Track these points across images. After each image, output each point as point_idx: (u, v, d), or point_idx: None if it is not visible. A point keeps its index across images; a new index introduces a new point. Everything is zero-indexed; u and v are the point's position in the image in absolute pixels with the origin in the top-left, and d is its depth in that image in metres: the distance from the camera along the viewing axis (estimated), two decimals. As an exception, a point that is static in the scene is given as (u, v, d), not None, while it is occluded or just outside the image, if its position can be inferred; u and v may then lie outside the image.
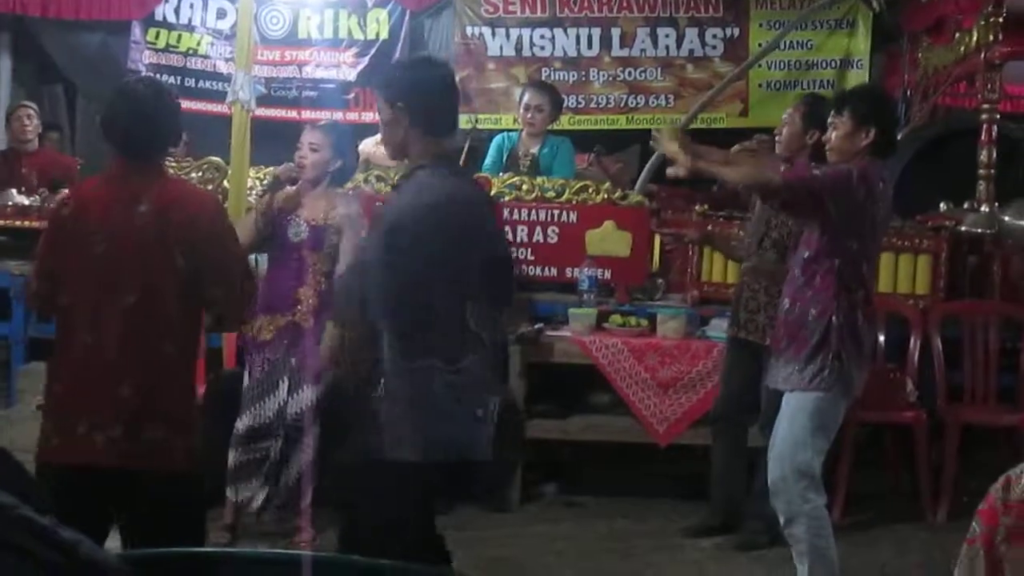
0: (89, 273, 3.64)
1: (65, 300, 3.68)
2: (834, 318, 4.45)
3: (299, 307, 5.36)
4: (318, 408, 5.38)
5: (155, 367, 3.63)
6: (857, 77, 8.95)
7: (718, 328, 6.22)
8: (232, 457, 5.40)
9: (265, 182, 5.42)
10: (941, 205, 7.10)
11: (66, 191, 3.76)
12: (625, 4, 9.33)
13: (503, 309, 3.94)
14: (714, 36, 9.31)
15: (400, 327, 3.63)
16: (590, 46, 9.35)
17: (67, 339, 3.69)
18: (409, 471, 3.60)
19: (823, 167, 4.66)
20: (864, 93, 5.03)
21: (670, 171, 4.89)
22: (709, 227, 6.62)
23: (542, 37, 9.38)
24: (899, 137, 8.34)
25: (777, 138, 5.67)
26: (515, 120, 7.74)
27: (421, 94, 3.73)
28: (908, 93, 8.79)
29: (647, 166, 7.67)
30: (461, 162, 7.62)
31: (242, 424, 5.38)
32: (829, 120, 4.66)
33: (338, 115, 9.24)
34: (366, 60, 9.39)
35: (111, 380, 3.58)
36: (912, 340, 6.37)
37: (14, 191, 7.23)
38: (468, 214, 3.76)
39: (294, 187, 5.46)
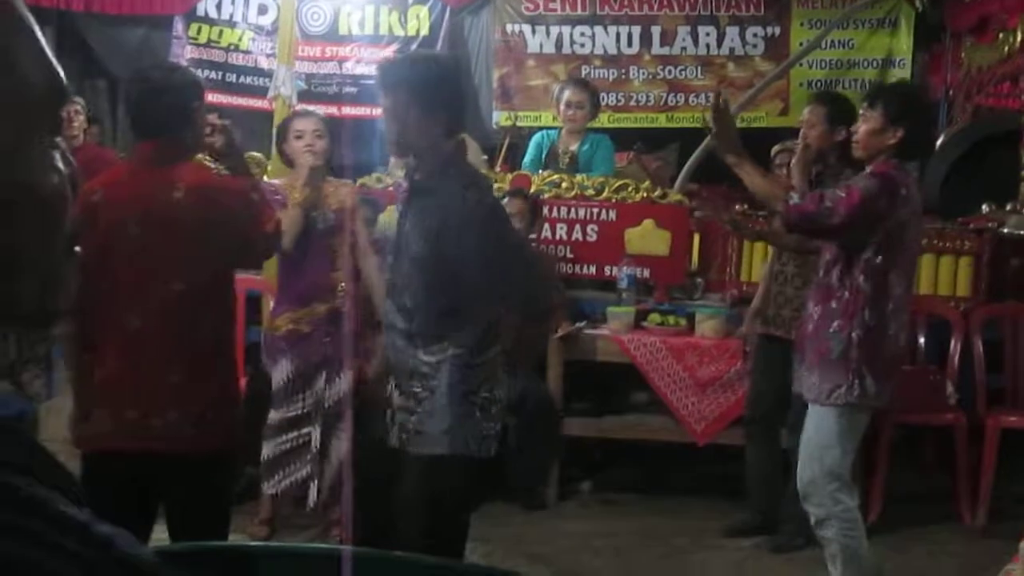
0: (126, 259, 3.65)
1: (101, 288, 3.66)
2: (854, 334, 4.36)
3: (337, 293, 5.40)
4: (352, 397, 5.42)
5: (201, 349, 3.69)
6: (899, 76, 8.90)
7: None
8: (267, 450, 5.42)
9: (303, 177, 5.39)
10: (983, 206, 7.05)
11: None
12: (666, 2, 9.31)
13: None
14: (755, 35, 9.29)
15: (474, 319, 3.71)
16: (630, 44, 9.35)
17: (106, 327, 3.69)
18: (456, 464, 3.64)
19: (835, 191, 4.43)
20: (899, 91, 4.94)
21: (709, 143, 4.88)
22: (736, 207, 6.59)
23: (582, 35, 9.38)
24: (941, 137, 8.36)
25: (802, 140, 5.55)
26: (554, 118, 7.74)
27: (443, 90, 3.76)
28: (950, 93, 8.74)
29: (687, 165, 7.64)
30: (500, 159, 7.68)
31: (276, 415, 5.40)
32: (860, 112, 4.60)
33: (377, 111, 9.25)
34: (406, 56, 9.40)
35: (160, 365, 3.63)
36: (953, 342, 6.32)
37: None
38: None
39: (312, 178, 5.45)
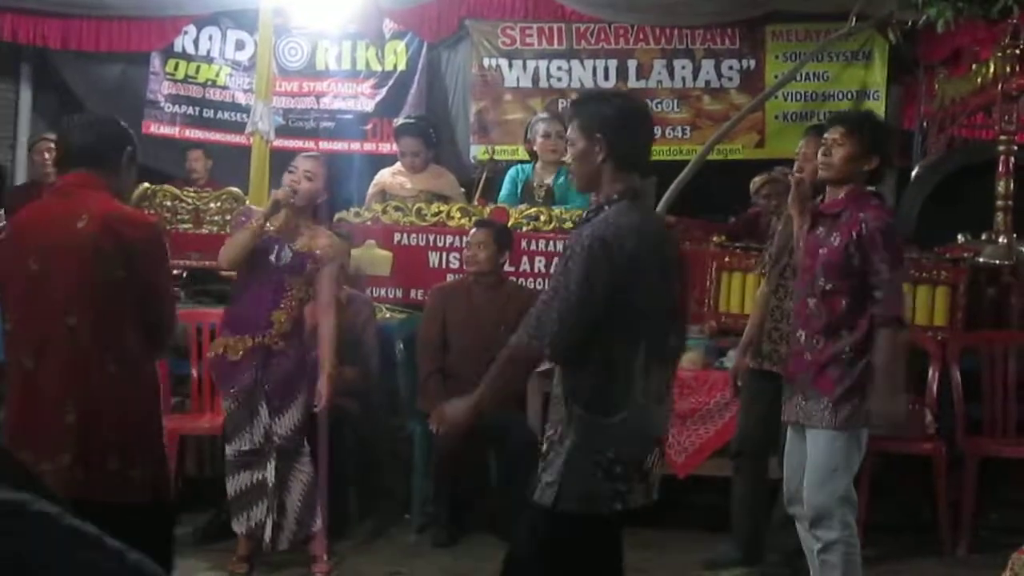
0: (25, 293, 3.57)
1: (8, 324, 3.61)
2: (868, 359, 4.43)
3: (271, 329, 5.35)
4: (302, 432, 5.38)
5: (99, 391, 3.52)
6: (874, 108, 8.94)
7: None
8: (230, 485, 5.39)
9: (267, 205, 5.41)
10: (959, 236, 7.09)
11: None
12: (642, 36, 9.37)
13: (673, 359, 3.83)
14: (730, 68, 9.35)
15: (595, 372, 3.53)
16: (607, 77, 9.39)
17: (11, 364, 3.62)
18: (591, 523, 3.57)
19: (884, 267, 4.45)
20: (876, 121, 5.01)
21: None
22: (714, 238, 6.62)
23: (559, 69, 9.42)
24: (916, 168, 8.42)
25: (796, 173, 5.51)
26: (529, 152, 7.73)
27: (622, 127, 3.64)
28: (925, 124, 8.80)
29: (664, 197, 7.67)
30: (478, 193, 7.69)
31: (231, 449, 5.37)
32: (834, 136, 4.58)
33: (355, 146, 9.30)
34: (384, 91, 9.44)
35: (52, 405, 3.49)
36: (931, 371, 6.34)
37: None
38: (662, 255, 3.67)
39: (284, 211, 5.46)
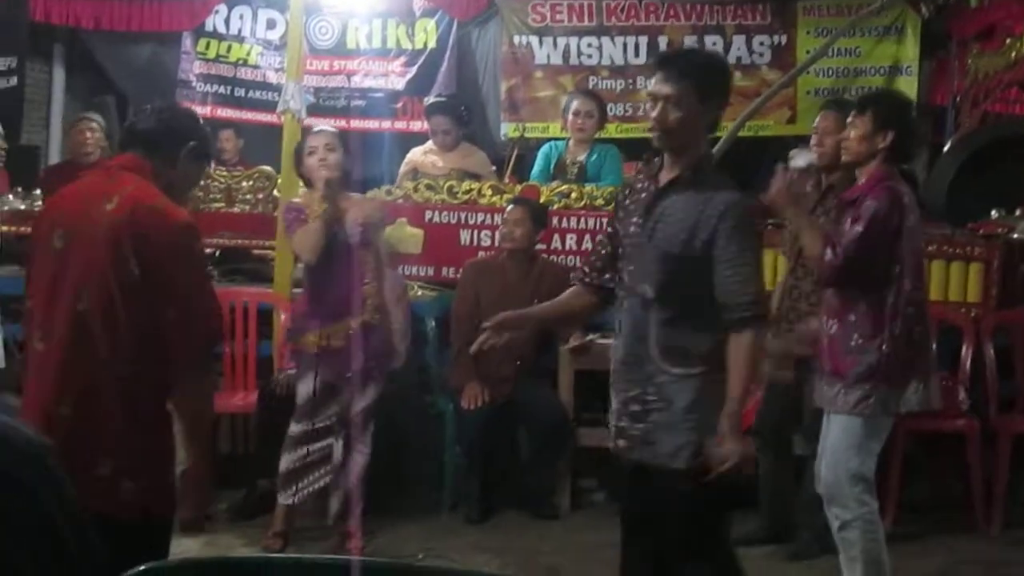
0: (46, 271, 3.41)
1: (28, 301, 3.47)
2: (884, 346, 4.45)
3: (367, 304, 5.44)
4: (372, 411, 5.46)
5: (101, 388, 3.31)
6: (906, 84, 8.91)
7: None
8: (285, 460, 5.45)
9: (322, 191, 5.42)
10: (992, 213, 7.05)
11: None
12: (672, 12, 9.32)
13: None
14: (761, 44, 9.29)
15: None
16: (637, 54, 9.34)
17: (27, 344, 3.51)
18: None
19: (847, 233, 4.53)
20: (885, 96, 5.02)
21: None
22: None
23: (589, 46, 9.38)
24: (948, 144, 8.36)
25: (816, 149, 5.56)
26: (562, 128, 7.75)
27: (724, 92, 3.87)
28: (957, 99, 8.73)
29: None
30: (508, 171, 7.70)
31: (298, 428, 5.44)
32: (848, 120, 4.66)
33: (386, 124, 9.31)
34: (414, 69, 9.43)
35: (52, 393, 3.31)
36: (964, 349, 6.31)
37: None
38: None
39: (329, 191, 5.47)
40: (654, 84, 3.84)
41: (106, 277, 3.28)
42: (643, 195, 3.80)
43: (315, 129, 5.84)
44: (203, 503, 3.60)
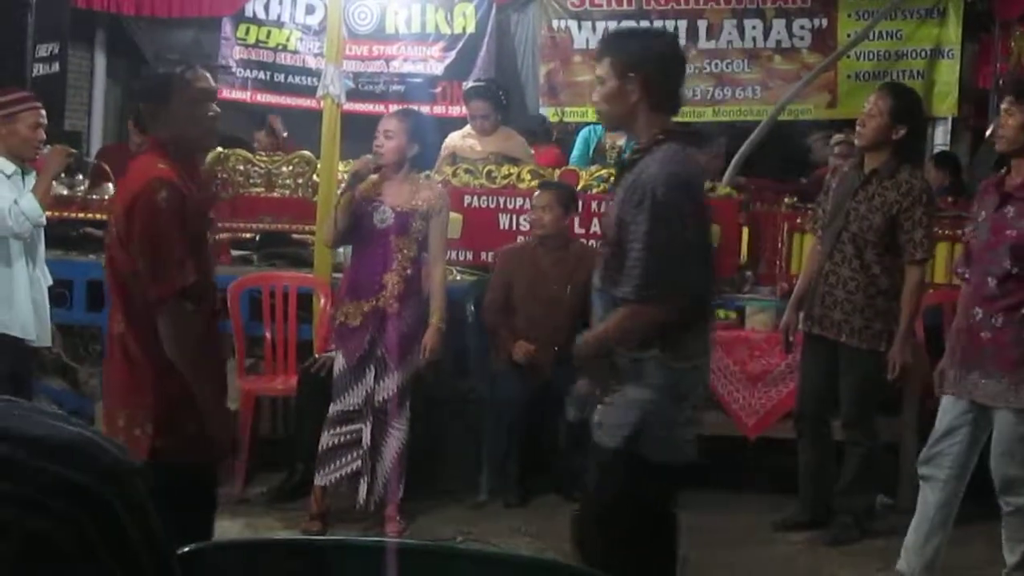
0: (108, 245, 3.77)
1: None
2: None
3: (384, 292, 5.46)
4: (405, 393, 5.47)
5: (129, 354, 3.63)
6: (948, 67, 8.85)
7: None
8: (324, 440, 5.49)
9: (346, 178, 5.50)
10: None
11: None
12: (712, -5, 9.29)
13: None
14: (802, 27, 9.24)
15: (674, 314, 3.50)
16: (676, 38, 9.30)
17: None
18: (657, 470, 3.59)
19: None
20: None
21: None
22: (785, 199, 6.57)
23: (628, 29, 9.36)
24: (991, 127, 8.28)
25: (859, 129, 5.56)
26: (601, 113, 7.73)
27: (659, 68, 3.61)
28: (1000, 83, 8.65)
29: (735, 158, 7.62)
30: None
31: (334, 408, 5.48)
32: (1004, 107, 4.70)
33: (425, 108, 9.31)
34: (453, 54, 9.45)
35: (117, 365, 3.69)
36: None
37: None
38: (701, 196, 3.75)
39: (376, 175, 5.54)
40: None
41: (112, 249, 3.63)
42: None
43: (388, 114, 5.91)
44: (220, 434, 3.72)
